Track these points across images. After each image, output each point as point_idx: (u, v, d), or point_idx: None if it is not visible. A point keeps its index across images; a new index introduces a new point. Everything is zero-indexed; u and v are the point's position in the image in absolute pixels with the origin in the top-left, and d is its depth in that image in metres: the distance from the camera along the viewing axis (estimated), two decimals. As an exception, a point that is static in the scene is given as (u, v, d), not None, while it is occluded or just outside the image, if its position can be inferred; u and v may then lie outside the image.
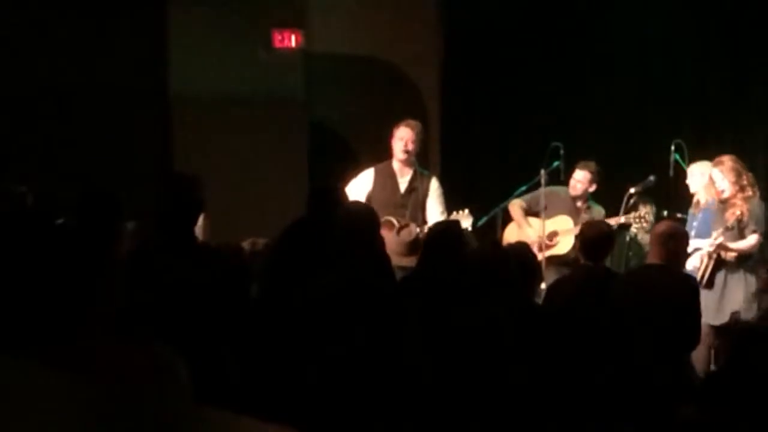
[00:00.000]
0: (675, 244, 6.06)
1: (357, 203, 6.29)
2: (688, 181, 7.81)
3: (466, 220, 7.24)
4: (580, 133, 9.44)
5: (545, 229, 7.89)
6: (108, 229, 4.62)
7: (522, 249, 5.78)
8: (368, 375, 3.98)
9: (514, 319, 4.65)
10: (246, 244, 5.38)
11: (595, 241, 6.30)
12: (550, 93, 9.95)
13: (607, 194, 8.34)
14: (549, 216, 8.04)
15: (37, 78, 8.39)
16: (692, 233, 7.55)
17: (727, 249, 7.14)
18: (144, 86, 8.83)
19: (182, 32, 9.01)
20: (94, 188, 5.11)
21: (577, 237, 7.13)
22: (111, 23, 8.66)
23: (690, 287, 6.08)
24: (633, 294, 5.88)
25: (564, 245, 7.97)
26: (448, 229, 5.98)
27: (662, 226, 6.31)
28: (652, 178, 8.14)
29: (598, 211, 8.16)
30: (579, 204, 8.19)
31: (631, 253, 8.63)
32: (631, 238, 8.40)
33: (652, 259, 6.17)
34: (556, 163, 8.18)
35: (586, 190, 8.18)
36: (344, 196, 6.30)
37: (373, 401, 3.89)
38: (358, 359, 4.02)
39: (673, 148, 8.18)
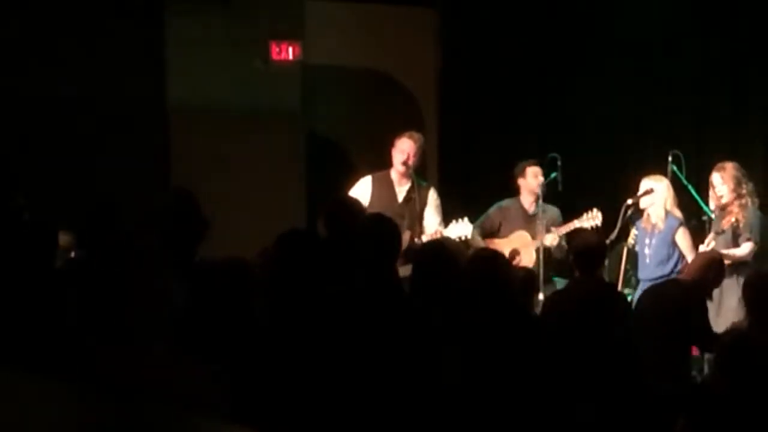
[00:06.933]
0: (714, 273, 6.43)
1: (379, 215, 6.14)
2: (639, 194, 7.76)
3: (465, 228, 7.24)
4: (578, 144, 9.45)
5: (504, 249, 7.78)
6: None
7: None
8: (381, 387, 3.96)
9: (513, 327, 4.63)
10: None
11: (583, 252, 6.20)
12: (548, 103, 9.97)
13: (605, 205, 8.33)
14: (505, 234, 8.00)
15: (34, 88, 8.38)
16: (646, 251, 7.62)
17: (722, 256, 7.15)
18: (142, 97, 8.83)
19: (180, 43, 9.01)
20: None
21: (570, 250, 7.08)
22: (109, 34, 8.66)
23: (696, 298, 6.22)
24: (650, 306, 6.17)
25: (526, 260, 7.86)
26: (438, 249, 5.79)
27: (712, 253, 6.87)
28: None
29: (552, 212, 8.12)
30: (531, 210, 8.09)
31: (629, 266, 8.61)
32: (628, 249, 8.37)
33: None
34: (553, 175, 8.17)
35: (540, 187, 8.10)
36: (361, 209, 6.26)
37: (381, 410, 3.89)
38: (370, 371, 4.00)
39: (670, 158, 8.19)
